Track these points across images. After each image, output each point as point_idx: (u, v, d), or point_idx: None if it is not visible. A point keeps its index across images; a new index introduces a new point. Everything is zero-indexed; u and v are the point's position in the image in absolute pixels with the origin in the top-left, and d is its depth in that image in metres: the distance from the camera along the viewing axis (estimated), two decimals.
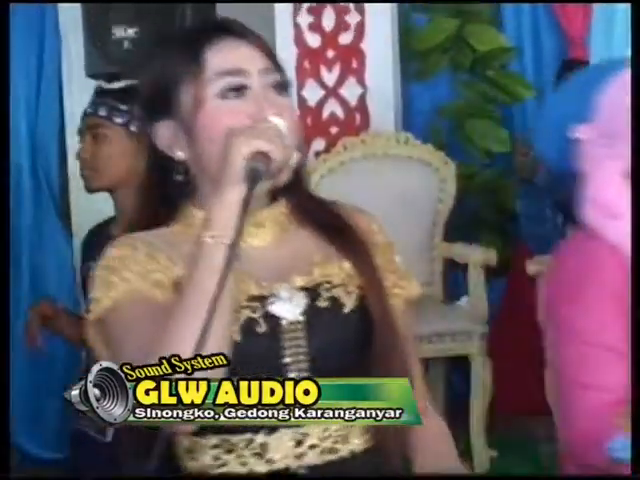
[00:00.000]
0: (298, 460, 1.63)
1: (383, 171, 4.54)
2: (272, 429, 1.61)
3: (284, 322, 1.64)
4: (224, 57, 1.66)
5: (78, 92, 5.15)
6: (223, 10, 4.53)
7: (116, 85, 3.07)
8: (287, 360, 1.63)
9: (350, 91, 4.69)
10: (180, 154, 1.69)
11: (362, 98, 4.71)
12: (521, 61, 5.30)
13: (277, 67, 1.70)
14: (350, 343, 1.67)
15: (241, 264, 1.59)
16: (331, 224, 1.73)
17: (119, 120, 2.84)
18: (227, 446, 1.65)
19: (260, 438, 1.63)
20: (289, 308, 1.65)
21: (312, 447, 1.64)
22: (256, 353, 1.61)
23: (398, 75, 4.77)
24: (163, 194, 1.74)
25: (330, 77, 4.72)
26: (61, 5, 5.11)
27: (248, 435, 1.63)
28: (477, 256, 4.38)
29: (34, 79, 5.29)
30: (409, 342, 1.76)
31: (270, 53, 1.70)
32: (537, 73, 5.31)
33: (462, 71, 5.27)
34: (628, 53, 3.56)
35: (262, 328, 1.63)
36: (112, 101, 2.87)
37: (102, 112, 2.87)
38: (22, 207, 5.30)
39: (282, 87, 1.69)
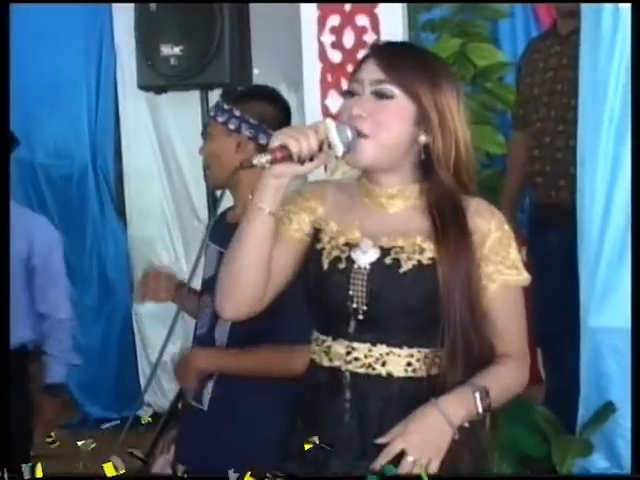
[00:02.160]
0: (346, 364, 1.90)
1: None
2: (336, 337, 1.93)
3: (355, 266, 1.90)
4: (357, 71, 1.97)
5: (131, 100, 5.15)
6: (255, 31, 4.52)
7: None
8: (351, 292, 1.89)
9: None
10: None
11: None
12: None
13: (391, 79, 1.90)
14: (402, 294, 1.87)
15: (367, 220, 1.94)
16: (444, 213, 1.92)
17: (220, 119, 2.64)
18: (317, 341, 1.97)
19: (329, 341, 1.94)
20: (363, 257, 1.90)
21: (356, 359, 1.90)
22: (334, 282, 1.91)
23: None
24: None
25: None
26: (116, 25, 5.10)
27: (324, 337, 1.95)
28: None
29: (93, 89, 5.32)
30: (510, 317, 1.95)
31: (390, 68, 1.91)
32: None
33: (464, 83, 5.22)
34: (612, 66, 3.54)
35: (342, 265, 1.91)
36: (221, 102, 2.72)
37: (212, 112, 2.71)
38: (88, 201, 5.31)
39: (385, 94, 1.90)
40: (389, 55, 1.95)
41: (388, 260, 1.89)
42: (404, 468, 1.80)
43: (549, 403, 3.89)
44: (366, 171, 1.98)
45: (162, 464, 2.90)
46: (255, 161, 1.79)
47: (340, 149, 1.88)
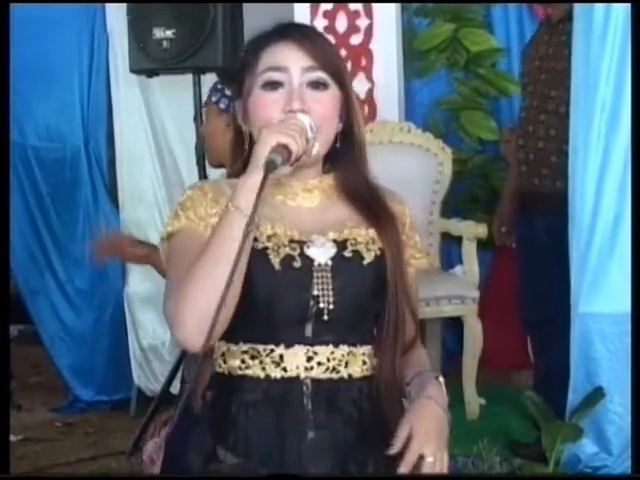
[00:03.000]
0: (306, 372, 1.74)
1: (388, 156, 4.50)
2: (290, 344, 1.73)
3: (316, 263, 1.74)
4: (272, 56, 1.77)
5: (123, 84, 5.13)
6: (249, 17, 4.50)
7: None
8: (316, 292, 1.72)
9: (360, 86, 4.64)
10: (245, 127, 1.84)
11: (370, 92, 4.66)
12: (509, 60, 5.26)
13: (323, 66, 1.77)
14: (366, 287, 1.77)
15: (291, 217, 1.78)
16: (368, 201, 1.84)
17: (214, 98, 2.69)
18: (253, 353, 1.75)
19: (280, 350, 1.74)
20: (321, 253, 1.75)
21: (319, 364, 1.74)
22: (292, 282, 1.72)
23: (402, 72, 4.72)
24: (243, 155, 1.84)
25: None
26: (109, 9, 5.08)
27: (271, 346, 1.74)
28: (470, 230, 4.36)
29: (86, 73, 5.28)
30: (417, 303, 1.89)
31: (318, 54, 1.77)
32: None
33: (457, 69, 5.23)
34: (603, 57, 3.55)
35: (298, 264, 1.73)
36: (216, 83, 2.74)
37: (208, 92, 2.75)
38: (80, 184, 5.30)
39: (320, 84, 1.77)
40: (310, 39, 1.79)
41: (347, 253, 1.76)
42: (426, 469, 1.69)
43: (538, 389, 3.91)
44: None
45: (152, 447, 2.90)
46: (278, 162, 1.62)
47: (317, 146, 1.74)
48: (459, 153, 4.89)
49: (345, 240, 1.78)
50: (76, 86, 5.28)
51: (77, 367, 5.33)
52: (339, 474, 1.73)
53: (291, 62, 1.75)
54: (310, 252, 1.75)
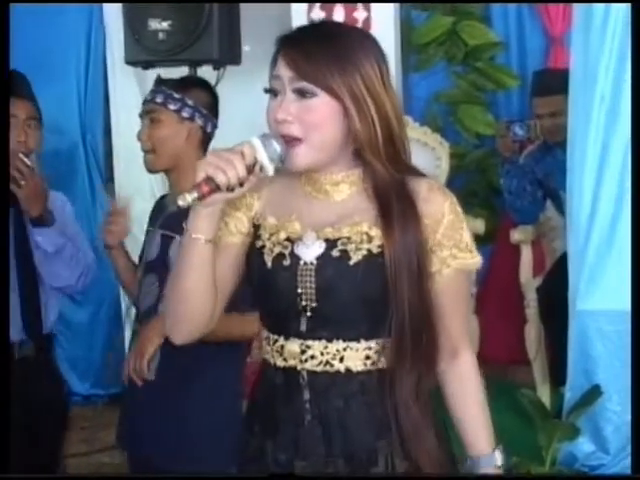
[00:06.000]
0: (302, 364, 1.82)
1: None
2: (287, 336, 1.83)
3: (301, 262, 1.80)
4: (275, 65, 1.81)
5: (120, 76, 5.08)
6: (246, 7, 4.44)
7: (174, 76, 2.98)
8: (300, 290, 1.80)
9: None
10: None
11: None
12: (507, 54, 5.22)
13: (305, 76, 1.77)
14: (354, 287, 1.78)
15: (309, 210, 1.84)
16: (388, 198, 1.80)
17: (172, 107, 2.72)
18: (269, 341, 1.87)
19: (281, 340, 1.84)
20: (308, 252, 1.80)
21: (312, 357, 1.81)
22: (280, 280, 1.81)
23: (399, 66, 4.67)
24: None
25: None
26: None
27: (275, 336, 1.85)
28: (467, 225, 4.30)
29: (83, 65, 5.25)
30: (460, 302, 1.87)
31: (303, 64, 1.77)
32: (521, 65, 5.23)
33: (455, 63, 5.19)
34: (603, 50, 3.49)
35: (287, 262, 1.81)
36: (168, 90, 2.76)
37: (158, 99, 2.75)
38: (77, 177, 5.26)
39: (306, 91, 1.77)
40: (296, 50, 1.81)
41: (335, 252, 1.79)
42: None
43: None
44: None
45: None
46: (181, 202, 1.68)
47: (270, 170, 1.75)
48: (457, 147, 4.85)
49: (337, 239, 1.80)
50: (73, 78, 5.25)
51: (73, 360, 5.29)
52: (326, 466, 1.81)
53: (282, 71, 1.79)
54: (298, 251, 1.81)
